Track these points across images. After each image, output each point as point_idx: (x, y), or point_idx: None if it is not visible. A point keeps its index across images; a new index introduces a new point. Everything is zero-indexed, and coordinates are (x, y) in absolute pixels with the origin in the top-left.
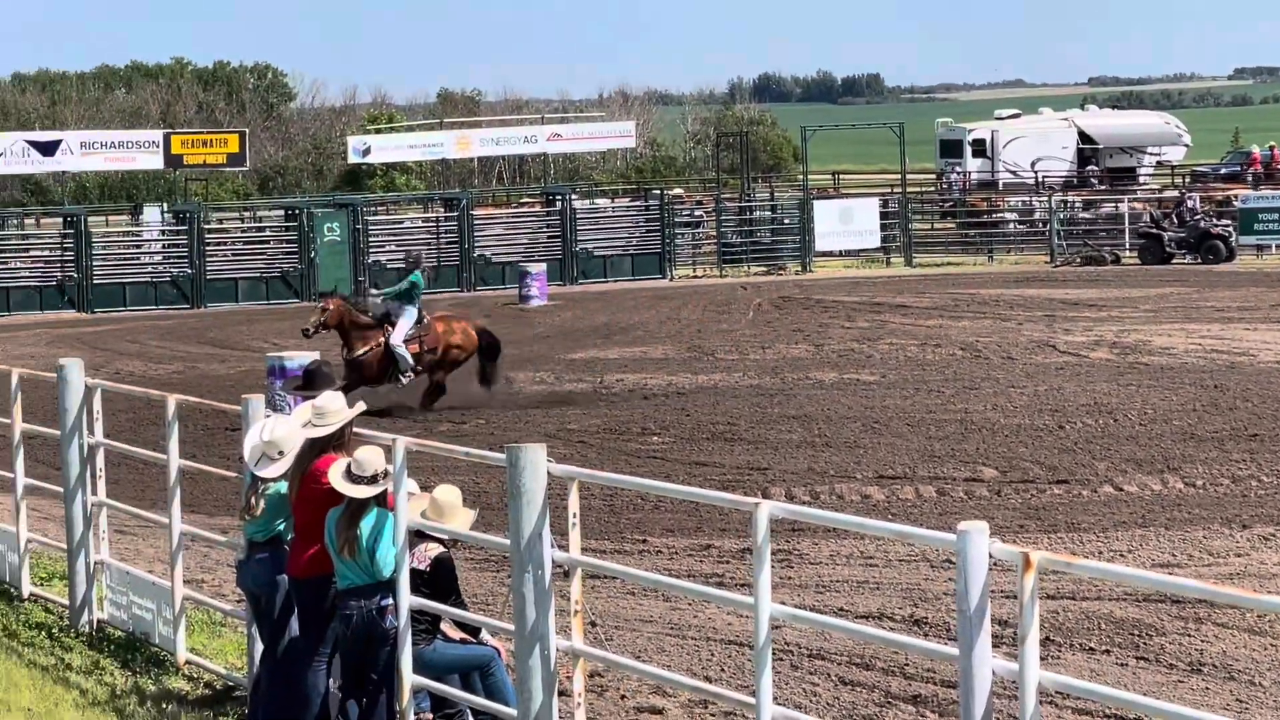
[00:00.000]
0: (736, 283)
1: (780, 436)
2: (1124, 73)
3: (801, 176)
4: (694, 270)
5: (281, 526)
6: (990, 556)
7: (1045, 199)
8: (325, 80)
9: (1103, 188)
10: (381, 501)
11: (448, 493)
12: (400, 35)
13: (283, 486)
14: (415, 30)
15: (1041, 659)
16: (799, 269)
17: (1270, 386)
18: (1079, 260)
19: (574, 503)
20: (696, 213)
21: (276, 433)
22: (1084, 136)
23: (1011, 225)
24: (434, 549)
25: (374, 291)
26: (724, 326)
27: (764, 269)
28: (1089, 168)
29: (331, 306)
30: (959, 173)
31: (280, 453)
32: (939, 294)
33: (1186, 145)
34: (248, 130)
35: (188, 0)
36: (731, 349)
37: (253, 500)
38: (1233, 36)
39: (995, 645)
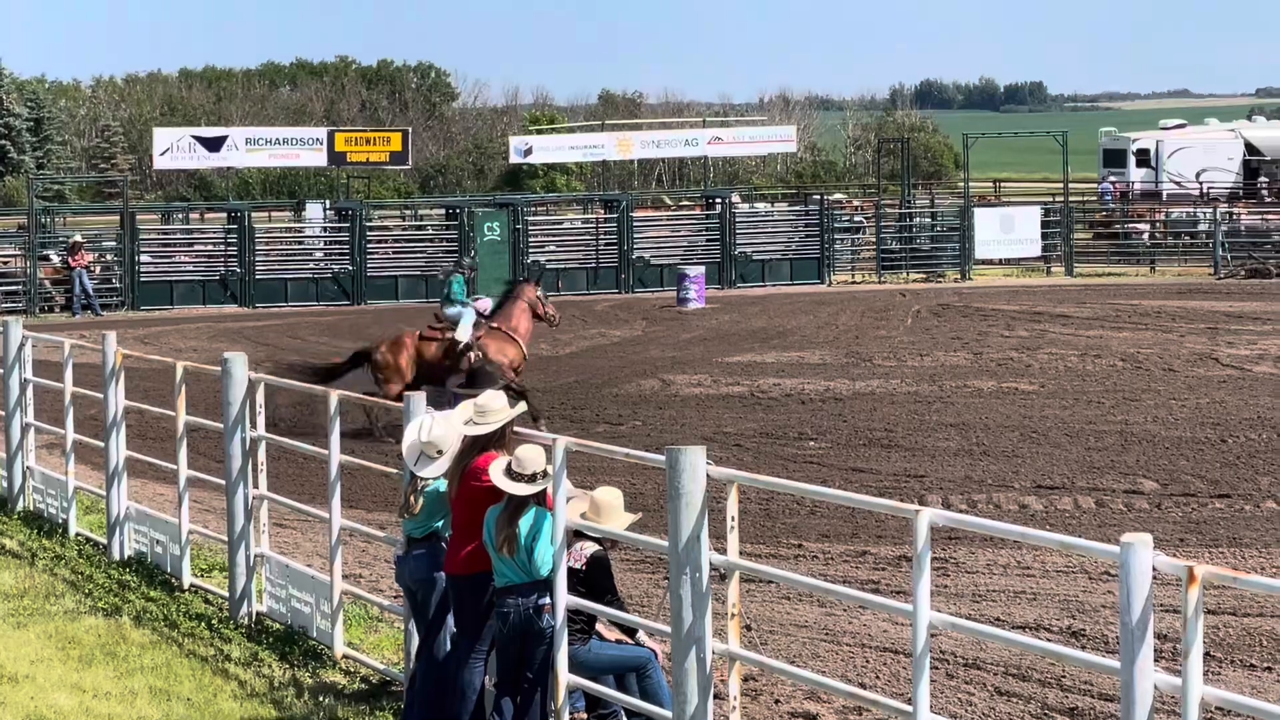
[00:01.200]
0: (895, 289)
1: (937, 444)
2: None
3: (962, 183)
4: (852, 276)
5: (440, 524)
6: (1153, 569)
7: (1209, 210)
8: (487, 80)
9: (1270, 200)
10: (540, 500)
11: (608, 494)
12: (562, 36)
13: (441, 485)
14: (577, 31)
15: (1204, 674)
16: (958, 276)
17: None
18: (1243, 272)
19: (732, 506)
20: (856, 218)
21: (435, 432)
22: (1250, 148)
23: (1147, 238)
24: (590, 548)
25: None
26: (882, 333)
27: (923, 275)
28: (1257, 180)
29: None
30: (1111, 183)
31: (439, 452)
32: (1100, 304)
33: None
34: (410, 129)
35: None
36: (889, 355)
37: (411, 498)
38: None
39: (1155, 659)
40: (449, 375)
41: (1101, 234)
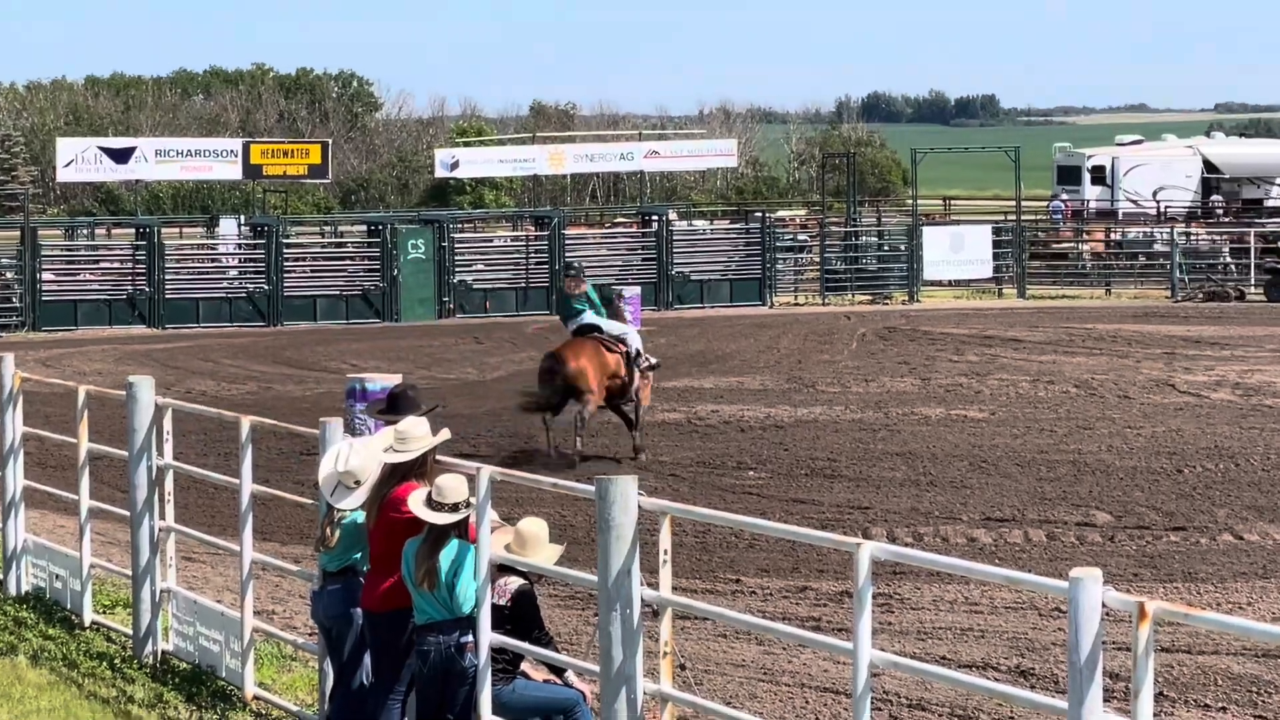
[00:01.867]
0: (840, 311)
1: (883, 474)
2: (1253, 99)
3: (910, 201)
4: (795, 297)
5: (358, 557)
6: (1104, 605)
7: (1167, 230)
8: (412, 90)
9: (1227, 220)
10: (463, 533)
11: (534, 525)
12: (492, 44)
13: (360, 516)
14: (507, 40)
15: (1155, 715)
16: (906, 298)
17: None
18: (1201, 295)
19: (665, 539)
20: (799, 237)
21: (353, 462)
22: (1209, 165)
23: (1089, 258)
24: (515, 583)
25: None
26: (825, 357)
27: (869, 298)
28: (1214, 198)
29: None
30: (1063, 201)
31: (357, 482)
32: (1053, 328)
33: None
34: (330, 141)
35: (270, 4)
36: (833, 381)
37: (328, 530)
38: None
39: (1106, 699)
40: (623, 391)
41: (1039, 254)
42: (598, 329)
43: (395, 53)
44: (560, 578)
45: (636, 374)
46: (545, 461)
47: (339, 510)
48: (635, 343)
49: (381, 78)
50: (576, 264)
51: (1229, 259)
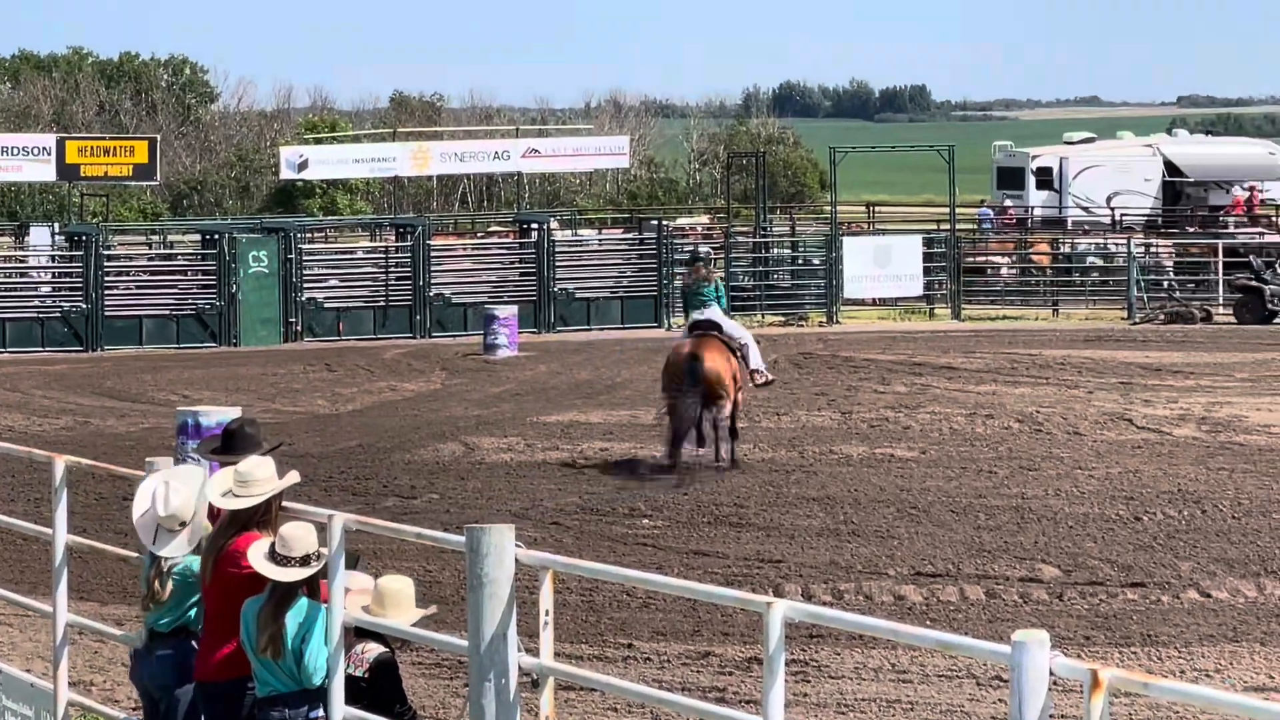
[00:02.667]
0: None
1: (797, 522)
2: (1220, 91)
3: (829, 207)
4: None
5: (192, 615)
6: (1051, 674)
7: (1123, 241)
8: (254, 78)
9: (1194, 230)
10: (312, 591)
11: (396, 581)
12: (346, 27)
13: (195, 562)
14: (364, 21)
15: None
16: (824, 319)
17: None
18: (1162, 317)
19: (546, 597)
20: (701, 248)
21: (174, 502)
22: (1171, 167)
23: (1005, 274)
24: (374, 650)
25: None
26: None
27: (781, 319)
28: (1189, 206)
29: None
30: (992, 208)
31: (181, 523)
32: (993, 353)
33: None
34: (158, 137)
35: None
36: (740, 415)
37: (156, 583)
38: None
39: None
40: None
41: (970, 268)
42: (719, 328)
43: (233, 35)
44: (426, 642)
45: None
46: (687, 469)
47: (167, 559)
48: (755, 356)
49: (218, 64)
50: (705, 251)
51: (1173, 275)
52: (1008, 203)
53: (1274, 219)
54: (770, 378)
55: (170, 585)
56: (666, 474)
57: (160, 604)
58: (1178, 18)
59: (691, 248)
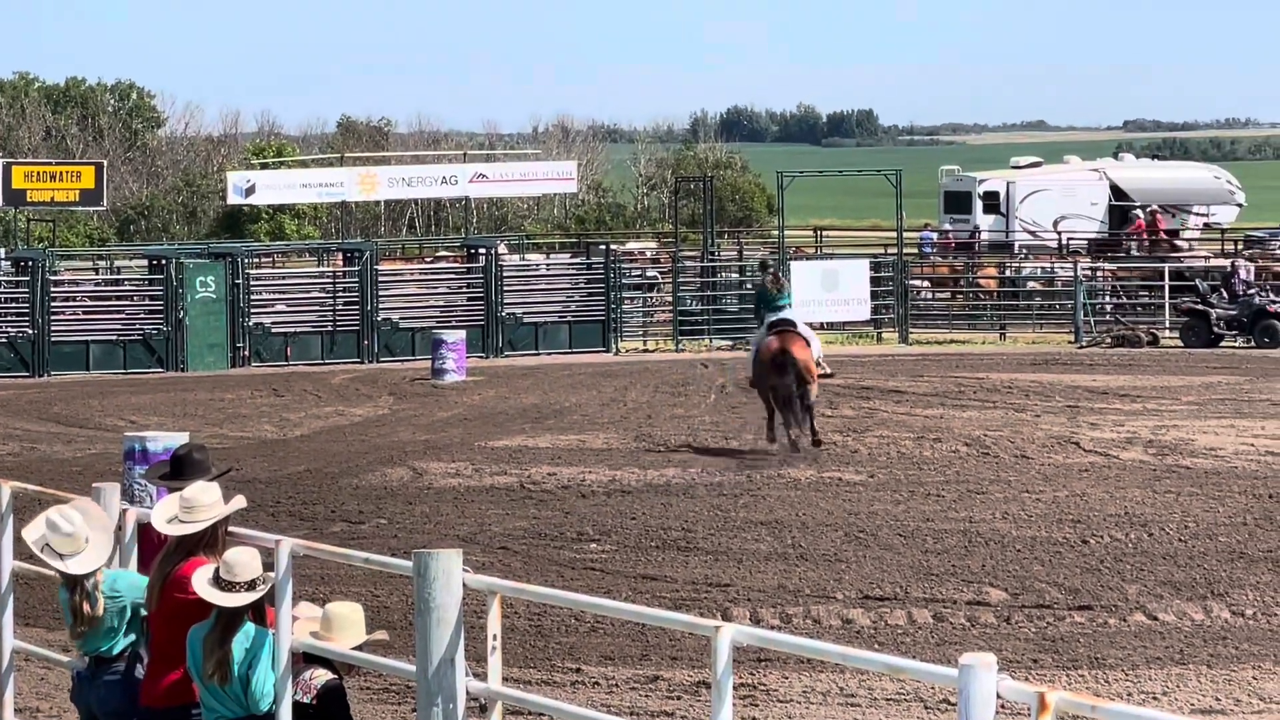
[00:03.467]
0: (695, 359)
1: (745, 546)
2: (1166, 116)
3: (777, 232)
4: (644, 343)
5: (133, 638)
6: (998, 697)
7: (1069, 265)
8: (201, 103)
9: (1139, 254)
10: (259, 617)
11: (345, 607)
12: (293, 51)
13: (120, 581)
14: (310, 45)
15: None
16: None
17: None
18: (1109, 340)
19: (494, 622)
20: (649, 273)
21: (75, 522)
22: (1117, 191)
23: (930, 298)
24: (322, 676)
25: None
26: (679, 411)
27: (729, 343)
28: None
29: None
30: (934, 232)
31: (86, 540)
32: (940, 377)
33: (1239, 205)
34: (105, 162)
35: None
36: (688, 439)
37: (85, 606)
38: None
39: None
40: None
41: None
42: (795, 325)
43: (180, 60)
44: (374, 667)
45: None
46: (775, 453)
47: (85, 578)
48: (818, 350)
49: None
50: (774, 262)
51: (1109, 298)
52: (947, 227)
53: (1223, 243)
54: (829, 370)
55: (101, 602)
56: (766, 454)
57: (94, 623)
58: (1124, 43)
59: (761, 260)
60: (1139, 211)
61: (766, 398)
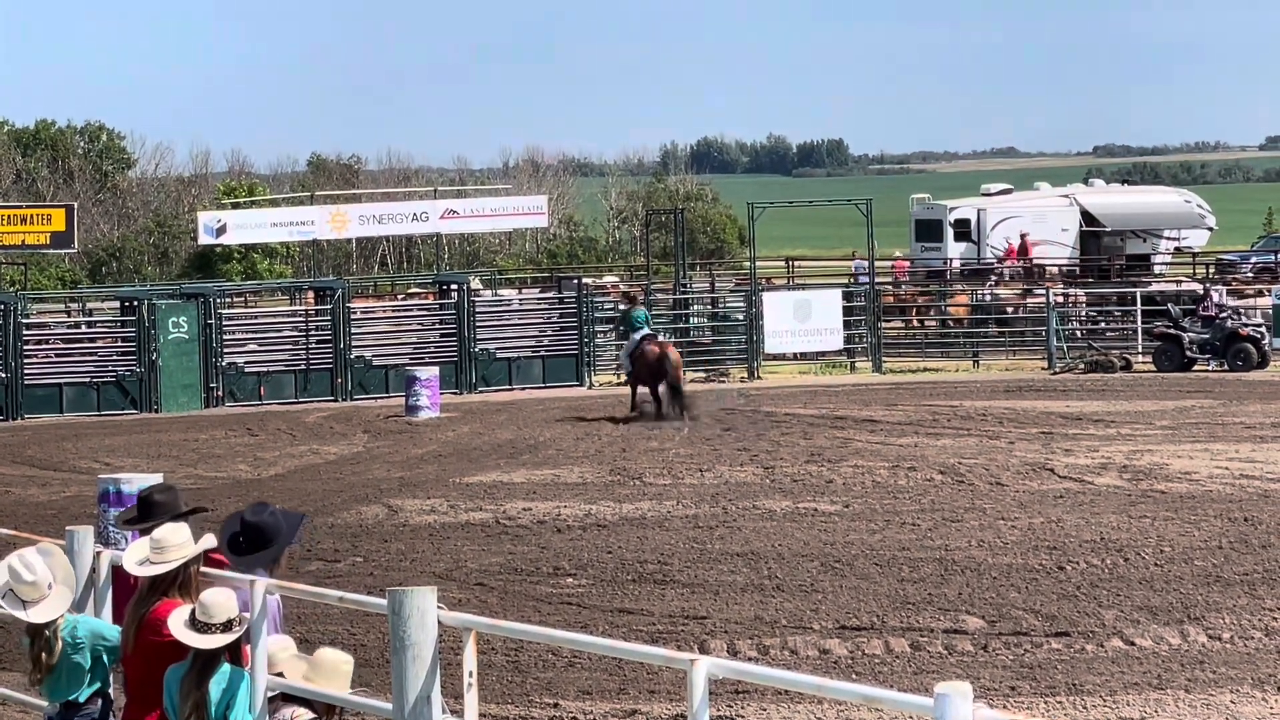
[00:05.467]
0: None
1: (721, 578)
2: (1136, 141)
3: (749, 263)
4: (618, 376)
5: (98, 685)
6: None
7: (1042, 292)
8: (171, 144)
9: (1115, 279)
10: (235, 657)
11: (337, 656)
12: (262, 89)
13: (81, 625)
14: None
15: None
16: (745, 375)
17: None
18: (1082, 366)
19: (470, 658)
20: (621, 307)
21: (38, 571)
22: (1088, 217)
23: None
24: (302, 715)
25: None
26: (653, 444)
27: (703, 375)
28: (1105, 255)
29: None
30: (899, 259)
31: (49, 587)
32: (914, 406)
33: (1210, 228)
34: (76, 204)
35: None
36: (662, 472)
37: (43, 655)
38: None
39: None
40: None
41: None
42: (655, 335)
43: (149, 101)
44: (351, 706)
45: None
46: (655, 423)
47: (45, 626)
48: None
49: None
50: (633, 291)
51: (1077, 324)
52: (897, 253)
53: (1194, 268)
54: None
55: (59, 648)
56: (642, 416)
57: (50, 670)
58: (1092, 68)
59: (625, 292)
60: (1007, 237)
61: (641, 386)
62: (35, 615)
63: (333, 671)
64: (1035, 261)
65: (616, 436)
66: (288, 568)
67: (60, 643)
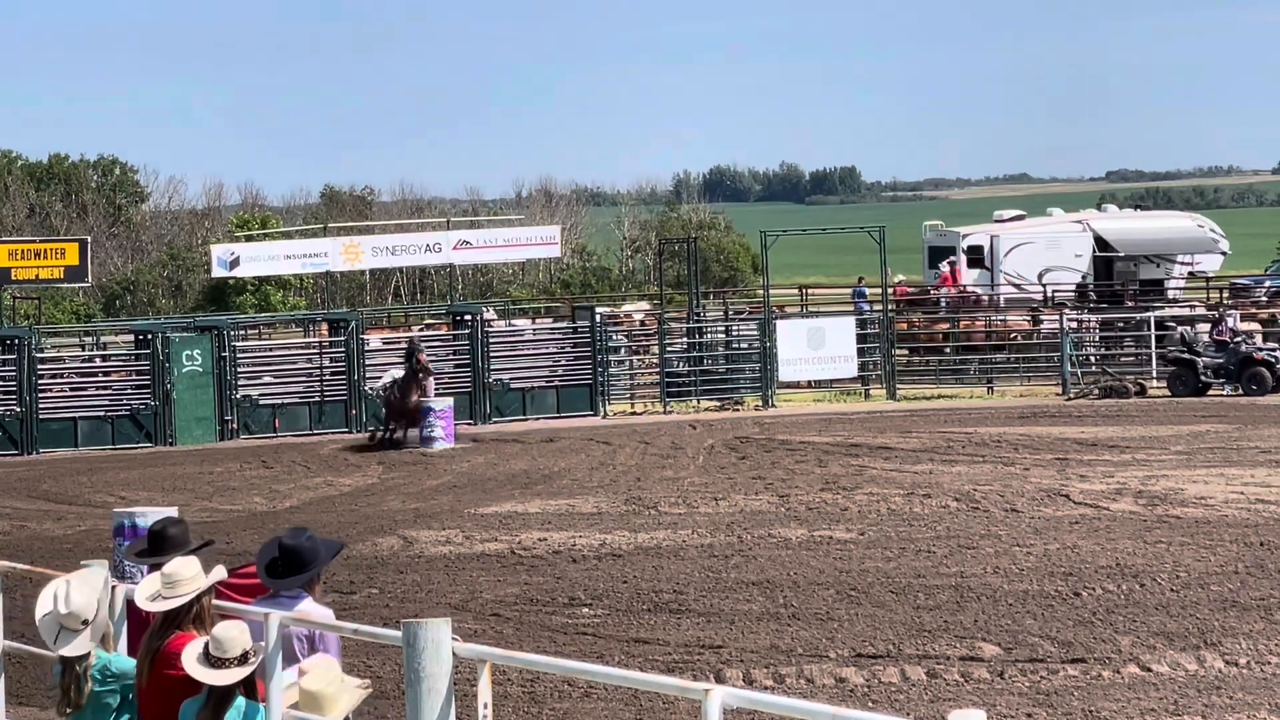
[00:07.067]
0: (684, 420)
1: (737, 607)
2: (1148, 165)
3: (762, 291)
4: (632, 405)
5: (125, 714)
6: None
7: (1055, 317)
8: (184, 176)
9: (1130, 304)
10: (250, 690)
11: (317, 679)
12: (275, 120)
13: (113, 660)
14: (293, 115)
15: None
16: (759, 403)
17: None
18: (1096, 392)
19: (485, 690)
20: (636, 335)
21: (75, 600)
22: (1101, 242)
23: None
24: None
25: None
26: (668, 474)
27: (717, 404)
28: (1118, 280)
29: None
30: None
31: (84, 622)
32: (928, 433)
33: (1224, 253)
34: (89, 238)
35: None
36: (678, 501)
37: (72, 689)
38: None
39: None
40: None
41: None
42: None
43: (162, 134)
44: None
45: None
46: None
47: (78, 659)
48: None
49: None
50: (420, 346)
51: (1091, 349)
52: (900, 277)
53: (1208, 292)
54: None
55: (89, 686)
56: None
57: (80, 707)
58: (1104, 94)
59: (411, 339)
60: (943, 265)
61: (395, 418)
62: (65, 647)
63: (328, 701)
64: (1049, 288)
65: (631, 466)
66: (320, 594)
67: (91, 680)
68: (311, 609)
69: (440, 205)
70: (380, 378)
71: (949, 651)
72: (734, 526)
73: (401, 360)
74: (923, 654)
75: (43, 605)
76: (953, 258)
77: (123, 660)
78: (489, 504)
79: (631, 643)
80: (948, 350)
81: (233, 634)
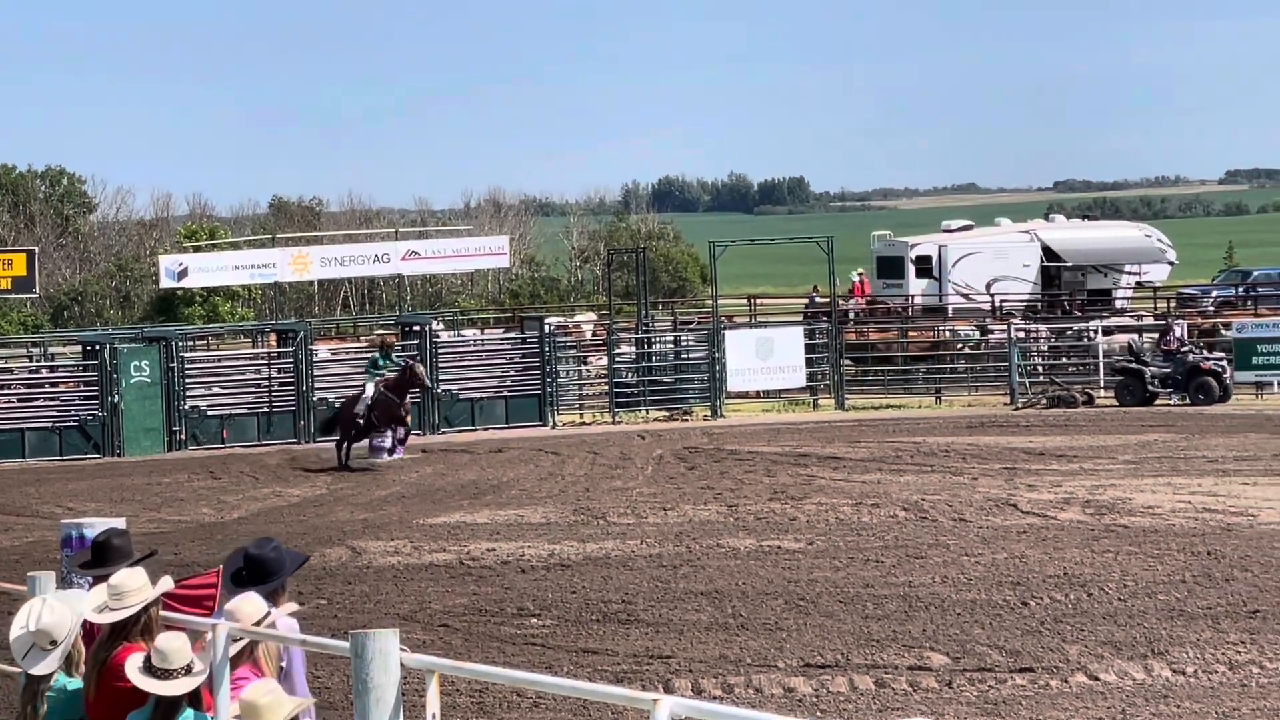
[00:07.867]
0: (632, 430)
1: (686, 617)
2: (1096, 175)
3: (710, 301)
4: (581, 416)
5: None
6: None
7: (1004, 327)
8: (132, 187)
9: (1077, 314)
10: (196, 701)
11: (258, 691)
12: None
13: (70, 682)
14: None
15: None
16: (708, 413)
17: (1273, 553)
18: (1044, 401)
19: (433, 701)
20: (585, 346)
21: (46, 619)
22: (1049, 252)
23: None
24: None
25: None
26: (617, 484)
27: (665, 414)
28: (1066, 290)
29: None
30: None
31: (53, 641)
32: (877, 442)
33: (1171, 263)
34: (37, 249)
35: None
36: (626, 511)
37: (28, 708)
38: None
39: None
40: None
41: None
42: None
43: (111, 144)
44: None
45: None
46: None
47: (42, 679)
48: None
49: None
50: (391, 344)
51: (1038, 359)
52: (860, 270)
53: (1155, 302)
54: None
55: (45, 708)
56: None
57: None
58: (1052, 104)
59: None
60: (854, 275)
61: (386, 423)
62: (34, 665)
63: (267, 711)
64: (997, 297)
65: (580, 476)
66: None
67: (46, 699)
68: (280, 621)
69: (389, 215)
70: (363, 390)
71: (897, 661)
72: (682, 536)
73: (363, 370)
74: (871, 663)
75: (18, 622)
76: (862, 269)
77: (76, 682)
78: (438, 514)
79: (580, 653)
80: (897, 360)
81: (175, 645)
